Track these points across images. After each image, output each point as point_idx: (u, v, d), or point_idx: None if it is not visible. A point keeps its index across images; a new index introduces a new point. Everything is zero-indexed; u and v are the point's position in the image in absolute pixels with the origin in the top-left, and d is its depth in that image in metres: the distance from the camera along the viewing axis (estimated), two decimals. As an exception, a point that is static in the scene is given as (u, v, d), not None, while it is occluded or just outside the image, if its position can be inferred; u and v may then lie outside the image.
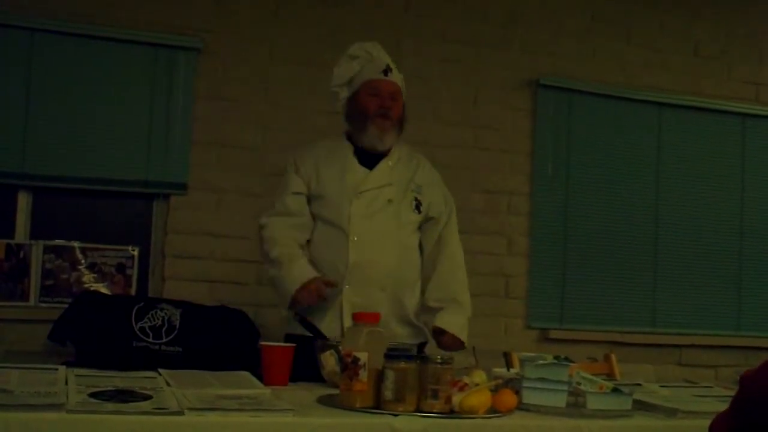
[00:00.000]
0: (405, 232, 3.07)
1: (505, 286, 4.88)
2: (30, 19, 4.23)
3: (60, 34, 4.27)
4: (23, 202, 4.33)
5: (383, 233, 3.01)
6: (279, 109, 4.58)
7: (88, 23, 4.30)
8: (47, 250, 4.27)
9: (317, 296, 2.88)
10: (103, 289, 4.25)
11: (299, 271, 2.92)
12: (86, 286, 4.26)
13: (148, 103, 4.40)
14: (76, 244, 4.31)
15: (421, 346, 3.09)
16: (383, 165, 3.09)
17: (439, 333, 3.03)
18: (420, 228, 3.15)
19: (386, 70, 3.09)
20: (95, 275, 4.30)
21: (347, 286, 2.96)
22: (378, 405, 2.15)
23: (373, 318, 2.31)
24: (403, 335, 3.02)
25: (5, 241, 4.25)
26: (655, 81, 5.22)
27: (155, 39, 4.39)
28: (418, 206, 3.10)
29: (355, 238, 2.98)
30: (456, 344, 3.03)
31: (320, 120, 4.61)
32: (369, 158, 3.09)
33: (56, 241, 4.29)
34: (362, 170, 3.07)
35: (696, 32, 5.31)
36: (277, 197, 3.11)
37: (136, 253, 4.37)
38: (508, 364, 2.92)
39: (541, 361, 2.40)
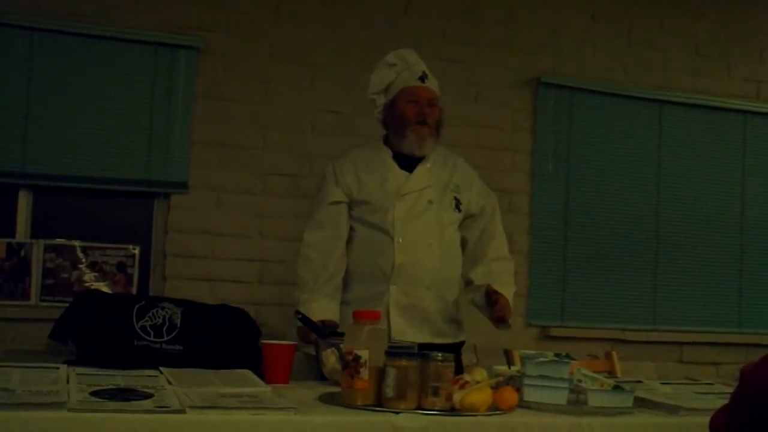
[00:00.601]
0: (447, 232, 3.13)
1: (506, 285, 4.87)
2: (30, 18, 4.23)
3: (60, 34, 4.27)
4: (24, 201, 4.33)
5: (426, 234, 3.08)
6: (279, 108, 4.58)
7: (88, 22, 4.30)
8: (48, 249, 4.27)
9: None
10: (104, 288, 4.25)
11: (319, 310, 2.97)
12: (87, 285, 4.26)
13: (148, 103, 4.40)
14: (77, 243, 4.31)
15: (460, 345, 3.15)
16: (422, 168, 3.15)
17: (491, 295, 3.04)
18: (461, 225, 3.21)
19: (423, 77, 3.16)
20: (96, 274, 4.31)
21: (393, 286, 3.03)
22: (379, 403, 2.16)
23: (374, 316, 2.32)
24: (449, 333, 3.11)
25: (6, 240, 4.25)
26: (656, 79, 5.22)
27: (155, 38, 4.39)
28: (457, 205, 3.16)
29: (400, 240, 3.04)
30: (507, 311, 3.05)
31: (320, 119, 4.62)
32: (407, 162, 3.15)
33: (57, 240, 4.29)
34: (402, 174, 3.13)
35: (697, 30, 5.31)
36: (315, 207, 3.19)
37: (137, 252, 4.38)
38: (509, 362, 2.91)
39: (542, 359, 2.40)
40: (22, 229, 4.31)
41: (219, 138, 4.49)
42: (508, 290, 3.14)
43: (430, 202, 3.11)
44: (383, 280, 3.04)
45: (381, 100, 3.20)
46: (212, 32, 4.49)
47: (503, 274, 3.21)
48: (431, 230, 3.09)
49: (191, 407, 1.97)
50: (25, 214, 4.33)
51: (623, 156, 5.15)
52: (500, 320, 3.05)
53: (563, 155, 5.04)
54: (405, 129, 3.11)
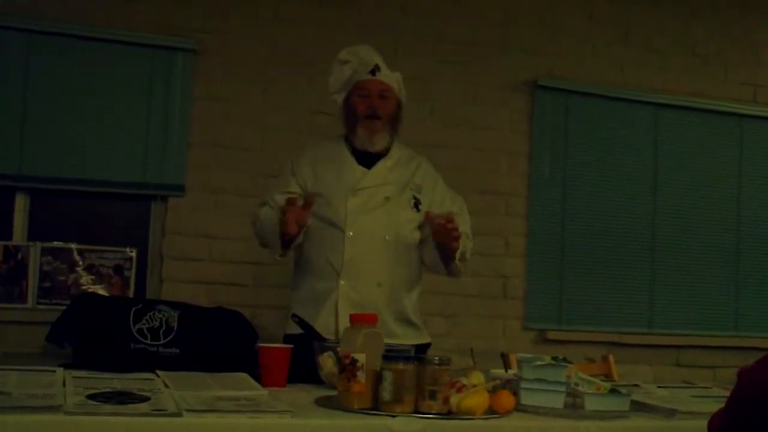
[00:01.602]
0: (404, 230, 3.05)
1: (502, 287, 4.88)
2: (27, 21, 4.23)
3: (57, 36, 4.27)
4: (21, 203, 4.33)
5: (379, 229, 3.02)
6: (277, 109, 4.58)
7: (85, 25, 4.30)
8: (45, 251, 4.26)
9: (297, 212, 2.82)
10: (101, 291, 4.25)
11: (276, 204, 2.94)
12: (84, 287, 4.26)
13: (145, 105, 4.40)
14: (73, 245, 4.30)
15: (424, 348, 3.07)
16: (381, 165, 3.11)
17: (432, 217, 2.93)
18: (421, 227, 3.11)
19: (374, 70, 3.10)
20: (93, 277, 4.30)
21: (342, 282, 2.98)
22: (376, 406, 2.15)
23: (371, 319, 2.31)
24: (401, 334, 3.02)
25: (3, 243, 4.25)
26: (653, 82, 5.23)
27: (152, 40, 4.39)
28: (416, 204, 3.10)
29: (350, 233, 2.99)
30: (449, 217, 2.90)
31: (318, 120, 4.62)
32: (367, 158, 3.11)
33: (54, 242, 4.29)
34: (360, 169, 3.09)
35: (694, 33, 5.32)
36: (268, 195, 3.13)
37: (133, 254, 4.37)
38: (506, 365, 2.91)
39: (538, 362, 2.40)
40: (19, 231, 4.31)
41: (216, 140, 4.49)
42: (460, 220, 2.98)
43: (387, 198, 3.05)
44: (333, 276, 2.99)
45: (340, 99, 3.18)
46: (209, 34, 4.49)
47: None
48: (385, 226, 3.02)
49: (188, 410, 1.97)
50: (22, 217, 4.32)
51: (620, 159, 5.15)
52: (441, 231, 2.89)
53: (560, 158, 5.04)
54: (356, 124, 3.08)
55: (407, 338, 3.02)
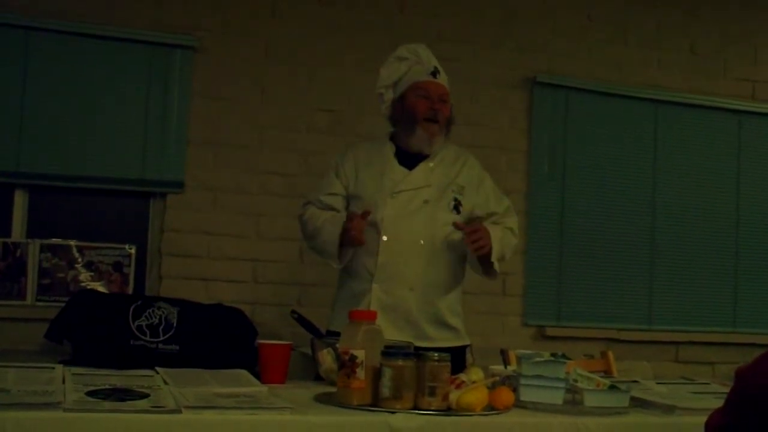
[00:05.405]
0: (441, 233, 3.03)
1: (502, 284, 4.87)
2: (25, 17, 4.22)
3: (56, 33, 4.27)
4: (20, 200, 4.32)
5: (416, 233, 3.01)
6: (275, 107, 4.58)
7: (83, 22, 4.30)
8: (44, 248, 4.26)
9: (360, 228, 2.91)
10: (100, 288, 4.25)
11: (336, 218, 3.03)
12: (83, 284, 4.26)
13: (144, 102, 4.39)
14: (72, 242, 4.30)
15: (461, 350, 3.05)
16: (423, 166, 3.09)
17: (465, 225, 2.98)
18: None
19: (435, 72, 3.11)
20: (92, 274, 4.30)
21: (375, 285, 2.99)
22: (375, 402, 2.16)
23: (370, 315, 2.32)
24: (436, 337, 3.01)
25: (2, 240, 4.25)
26: (652, 79, 5.22)
27: (151, 37, 4.38)
28: (456, 207, 3.07)
29: (385, 238, 2.99)
30: (483, 233, 2.95)
31: (316, 118, 4.62)
32: (410, 159, 3.09)
33: (53, 239, 4.29)
34: (401, 171, 3.08)
35: (692, 30, 5.31)
36: (312, 195, 3.18)
37: (133, 251, 4.37)
38: (505, 362, 2.91)
39: (538, 359, 2.40)
40: (18, 228, 4.31)
41: (215, 137, 4.49)
42: (494, 233, 3.01)
43: (425, 201, 3.04)
44: (368, 279, 3.01)
45: (389, 95, 3.14)
46: (208, 31, 4.49)
47: (497, 230, 3.08)
48: (421, 230, 3.01)
49: (187, 407, 1.97)
50: (21, 214, 4.32)
51: (619, 155, 5.15)
52: (474, 243, 2.93)
53: (559, 155, 5.04)
54: (415, 125, 3.05)
55: (442, 341, 2.99)
